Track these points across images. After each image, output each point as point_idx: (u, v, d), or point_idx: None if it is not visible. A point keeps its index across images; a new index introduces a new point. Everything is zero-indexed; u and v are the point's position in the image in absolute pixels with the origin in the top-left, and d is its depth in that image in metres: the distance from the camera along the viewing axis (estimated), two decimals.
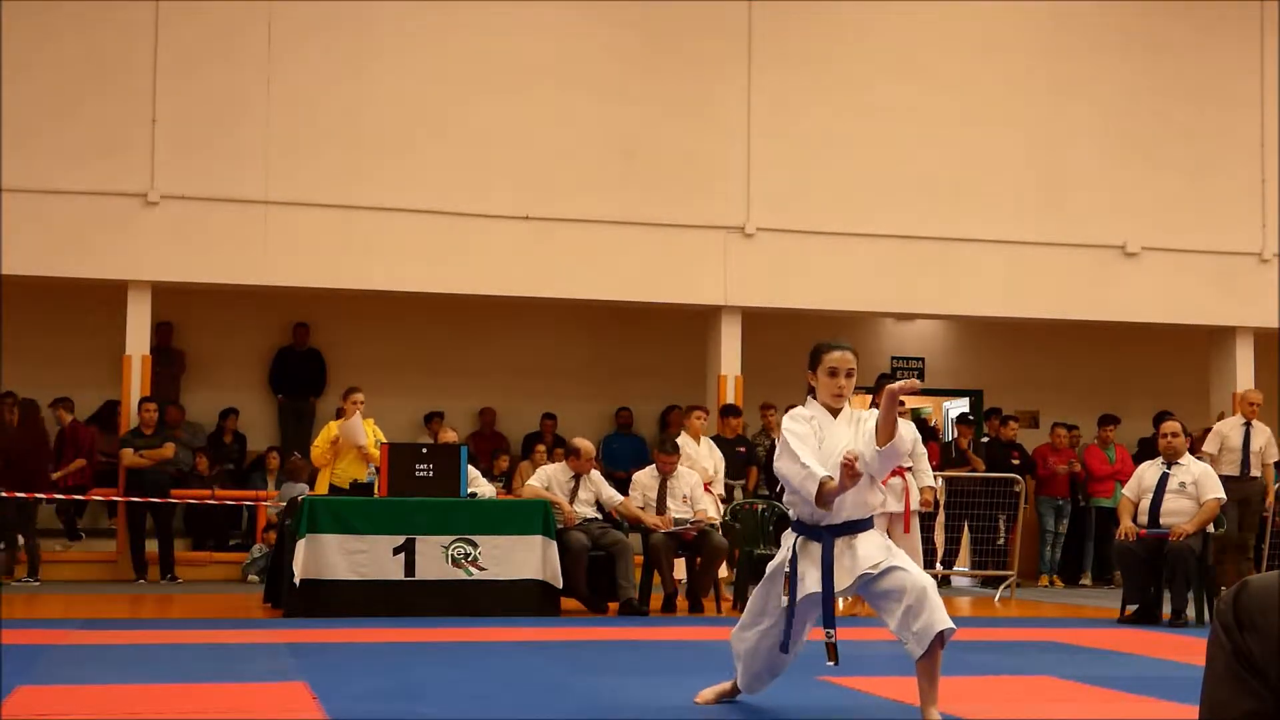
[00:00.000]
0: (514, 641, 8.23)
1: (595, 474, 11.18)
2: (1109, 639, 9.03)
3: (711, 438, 13.45)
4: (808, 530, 5.24)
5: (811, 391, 5.37)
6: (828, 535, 5.18)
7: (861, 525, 5.23)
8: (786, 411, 5.50)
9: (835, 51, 15.62)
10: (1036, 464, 15.32)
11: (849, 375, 5.26)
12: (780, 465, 5.21)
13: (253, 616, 10.11)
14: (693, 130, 15.19)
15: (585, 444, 11.20)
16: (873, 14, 15.74)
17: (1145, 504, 10.31)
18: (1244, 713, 2.17)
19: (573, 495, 10.89)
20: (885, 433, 4.98)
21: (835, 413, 5.29)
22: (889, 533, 11.05)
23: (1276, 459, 13.48)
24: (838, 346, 5.30)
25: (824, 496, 5.04)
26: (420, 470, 10.14)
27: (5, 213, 13.57)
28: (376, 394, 13.67)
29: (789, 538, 5.34)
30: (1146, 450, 14.71)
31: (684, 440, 12.20)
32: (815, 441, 5.19)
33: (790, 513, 5.43)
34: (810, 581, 5.16)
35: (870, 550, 5.16)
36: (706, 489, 12.02)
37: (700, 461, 12.07)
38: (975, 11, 16.01)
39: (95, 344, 14.85)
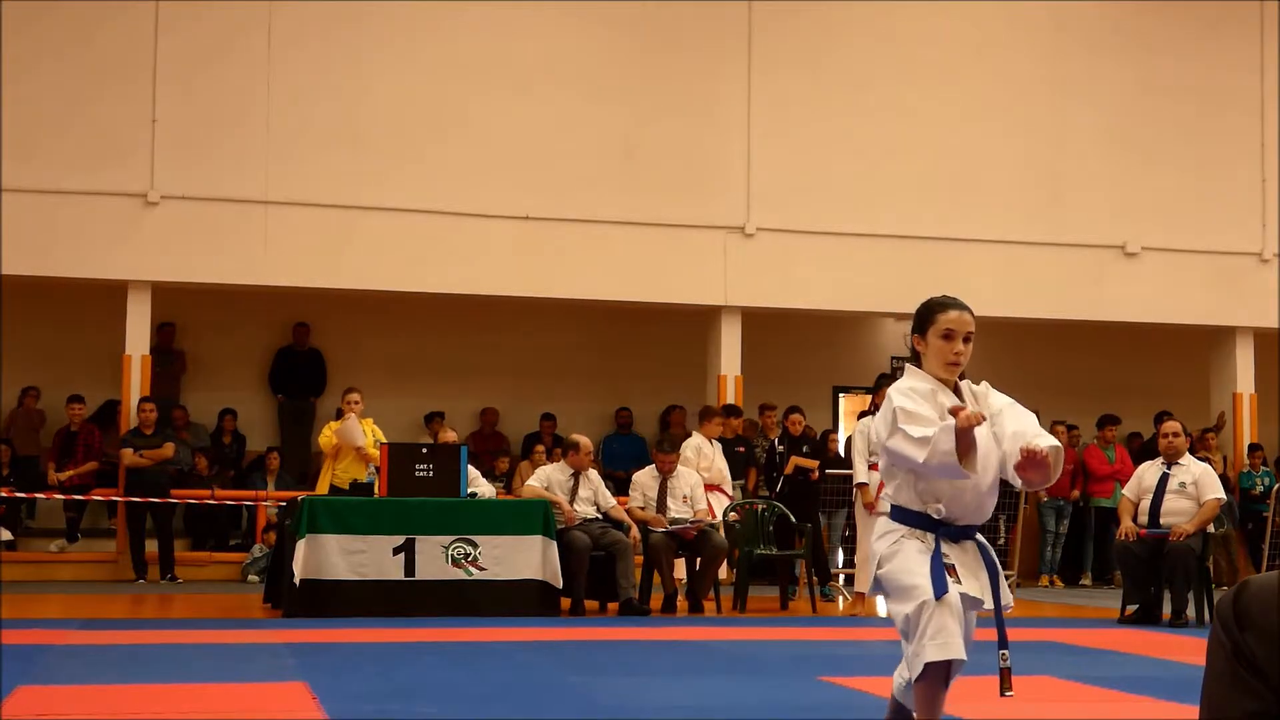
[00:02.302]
0: (514, 641, 8.22)
1: (594, 474, 11.17)
2: (1109, 639, 9.03)
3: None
4: (953, 532, 4.26)
5: (915, 359, 4.43)
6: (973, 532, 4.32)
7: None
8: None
9: (835, 51, 15.62)
10: None
11: (967, 340, 4.35)
12: (896, 446, 4.17)
13: (253, 616, 10.10)
14: (693, 130, 15.19)
15: (582, 439, 11.19)
16: (873, 14, 15.74)
17: (1145, 504, 10.30)
18: (1244, 713, 2.16)
19: (572, 494, 10.87)
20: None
21: (950, 387, 4.34)
22: None
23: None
24: (954, 305, 4.40)
25: (964, 442, 4.04)
26: (420, 470, 10.13)
27: (5, 213, 13.56)
28: (376, 394, 13.68)
29: (915, 542, 4.24)
30: (1144, 451, 14.70)
31: (699, 442, 12.19)
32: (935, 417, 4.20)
33: (929, 507, 4.26)
34: (970, 586, 4.25)
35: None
36: (720, 490, 12.01)
37: (716, 462, 12.07)
38: (975, 12, 16.01)
39: (95, 344, 14.85)
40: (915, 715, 4.23)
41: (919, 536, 4.24)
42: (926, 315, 4.45)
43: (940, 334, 4.39)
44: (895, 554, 4.23)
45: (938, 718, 4.21)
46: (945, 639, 4.09)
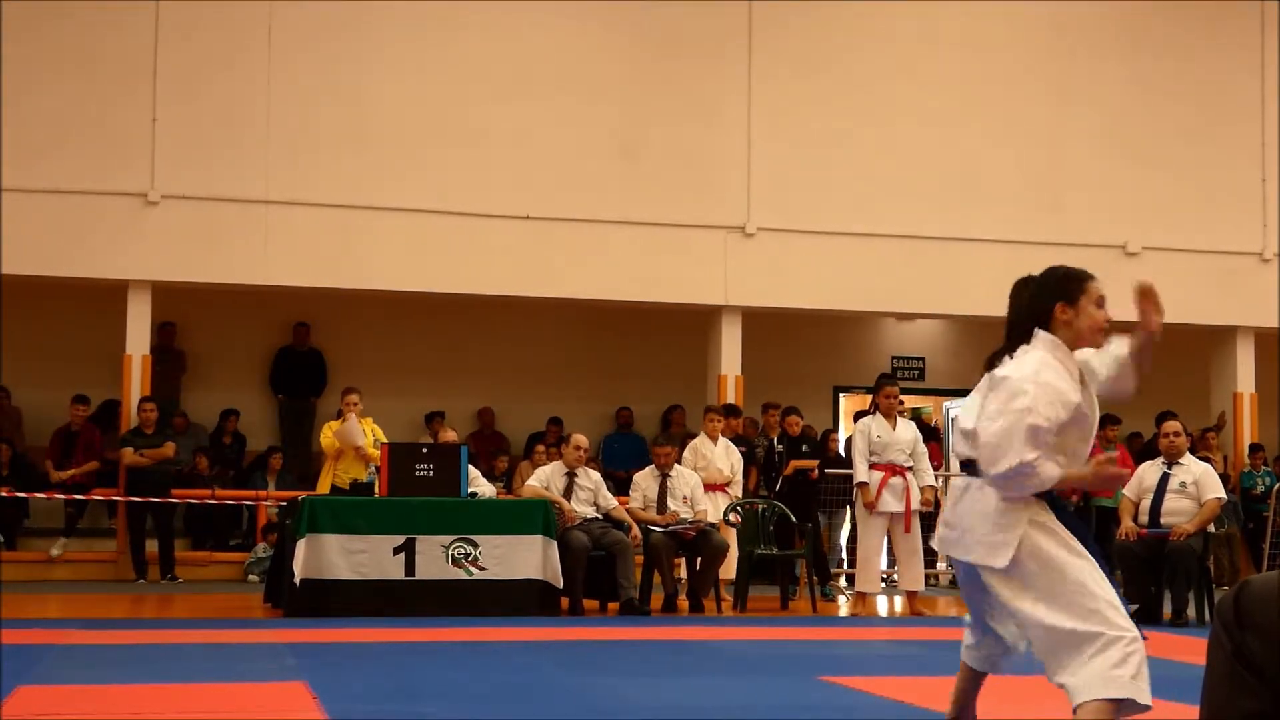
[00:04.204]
0: (514, 641, 8.23)
1: (596, 476, 11.16)
2: None
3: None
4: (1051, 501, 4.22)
5: (1043, 326, 4.34)
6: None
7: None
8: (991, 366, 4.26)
9: (835, 51, 15.61)
10: None
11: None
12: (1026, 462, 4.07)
13: (253, 616, 10.11)
14: (693, 130, 15.19)
15: (574, 436, 11.19)
16: (873, 14, 15.74)
17: (1146, 504, 10.31)
18: (1244, 713, 2.16)
19: (566, 493, 10.86)
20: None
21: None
22: (889, 533, 11.07)
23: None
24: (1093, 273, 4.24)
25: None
26: (420, 470, 10.14)
27: (5, 213, 13.56)
28: (376, 394, 13.67)
29: (1041, 512, 4.15)
30: (1145, 451, 14.70)
31: (701, 442, 12.17)
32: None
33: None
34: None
35: None
36: (724, 489, 11.99)
37: (716, 463, 12.03)
38: (975, 12, 16.01)
39: (95, 344, 14.85)
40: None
41: (1043, 509, 4.15)
42: (1078, 282, 4.37)
43: (1095, 301, 4.37)
44: (1072, 555, 4.09)
45: None
46: (1147, 683, 4.06)
